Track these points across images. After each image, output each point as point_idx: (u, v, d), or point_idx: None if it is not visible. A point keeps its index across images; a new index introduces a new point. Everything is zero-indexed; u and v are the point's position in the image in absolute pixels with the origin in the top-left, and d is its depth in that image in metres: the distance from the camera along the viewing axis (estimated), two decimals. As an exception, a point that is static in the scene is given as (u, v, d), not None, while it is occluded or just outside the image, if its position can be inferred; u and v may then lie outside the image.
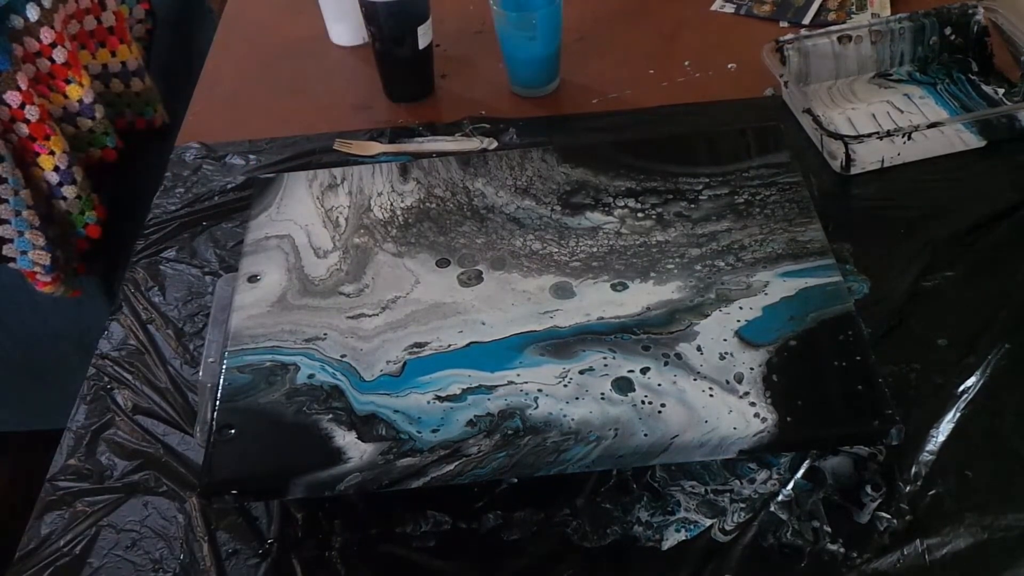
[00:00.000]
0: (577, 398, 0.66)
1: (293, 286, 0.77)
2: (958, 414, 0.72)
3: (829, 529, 0.67)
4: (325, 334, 0.73)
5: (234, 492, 0.65)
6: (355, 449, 0.65)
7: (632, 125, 1.00)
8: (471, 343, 0.71)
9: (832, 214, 0.85)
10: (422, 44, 1.02)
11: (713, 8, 1.15)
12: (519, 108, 1.05)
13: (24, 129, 1.07)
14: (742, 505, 0.68)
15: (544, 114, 1.04)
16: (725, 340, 0.69)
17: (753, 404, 0.65)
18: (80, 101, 1.14)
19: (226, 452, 0.66)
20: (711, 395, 0.66)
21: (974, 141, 0.93)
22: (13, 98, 1.04)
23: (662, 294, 0.72)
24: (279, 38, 1.19)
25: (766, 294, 0.72)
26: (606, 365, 0.68)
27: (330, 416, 0.67)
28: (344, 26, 1.14)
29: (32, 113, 1.06)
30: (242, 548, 0.70)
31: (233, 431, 0.67)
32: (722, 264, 0.74)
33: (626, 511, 0.69)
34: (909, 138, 0.90)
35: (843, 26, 1.02)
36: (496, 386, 0.68)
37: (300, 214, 0.83)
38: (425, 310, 0.73)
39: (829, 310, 0.70)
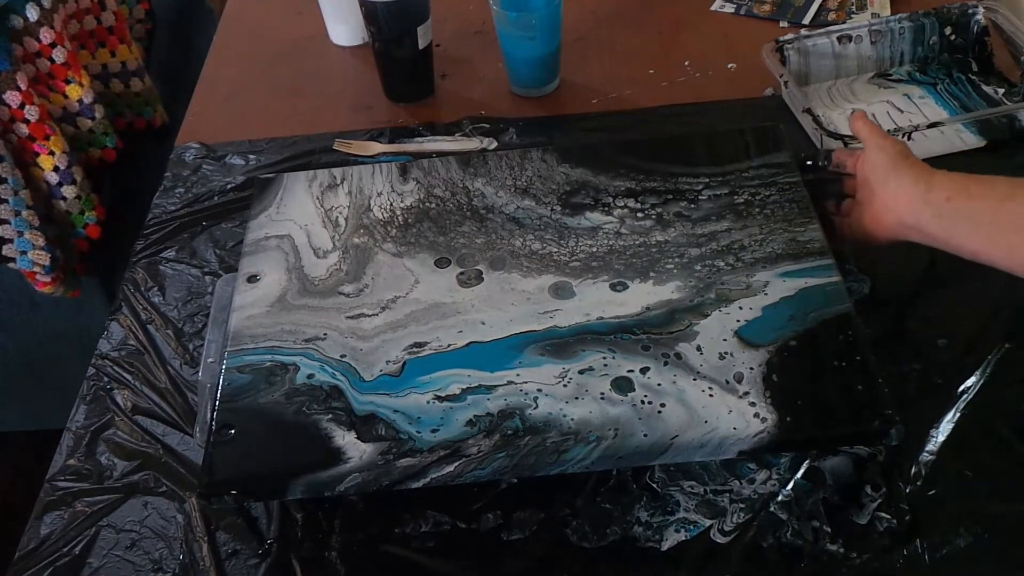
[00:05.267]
0: (577, 398, 0.66)
1: (293, 286, 0.77)
2: (958, 414, 0.72)
3: (829, 529, 0.67)
4: (325, 334, 0.73)
5: (234, 492, 0.65)
6: (355, 449, 0.65)
7: (632, 125, 1.00)
8: (471, 343, 0.71)
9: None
10: (422, 44, 1.02)
11: (713, 8, 1.15)
12: (519, 108, 1.05)
13: (24, 129, 1.07)
14: (742, 505, 0.68)
15: (544, 114, 1.04)
16: (725, 340, 0.69)
17: (753, 404, 0.65)
18: (80, 101, 1.14)
19: (226, 452, 0.66)
20: (711, 395, 0.66)
21: (974, 141, 0.93)
22: (13, 98, 1.04)
23: (662, 294, 0.72)
24: (279, 38, 1.19)
25: (766, 294, 0.72)
26: (606, 365, 0.68)
27: (330, 416, 0.67)
28: (344, 26, 1.14)
29: (32, 113, 1.06)
30: (242, 548, 0.70)
31: (233, 431, 0.67)
32: (722, 264, 0.74)
33: (625, 511, 0.69)
34: (909, 138, 0.90)
35: (843, 26, 1.01)
36: (496, 386, 0.68)
37: (300, 214, 0.83)
38: (425, 310, 0.73)
39: (829, 310, 0.70)
